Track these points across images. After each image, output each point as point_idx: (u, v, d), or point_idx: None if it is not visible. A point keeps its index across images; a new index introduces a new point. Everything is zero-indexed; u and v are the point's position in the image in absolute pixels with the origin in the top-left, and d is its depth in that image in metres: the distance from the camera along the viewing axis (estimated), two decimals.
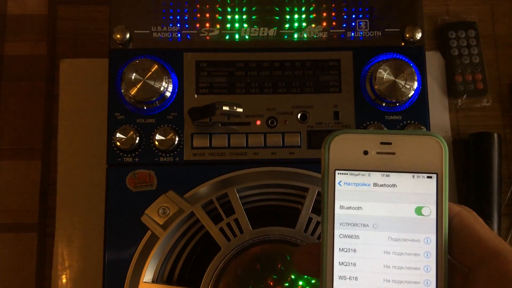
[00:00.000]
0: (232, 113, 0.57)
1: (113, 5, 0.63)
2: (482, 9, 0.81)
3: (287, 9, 0.64)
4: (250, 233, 0.57)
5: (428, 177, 0.34)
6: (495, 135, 0.73)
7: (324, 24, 0.64)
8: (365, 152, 0.34)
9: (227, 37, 0.64)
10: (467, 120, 0.77)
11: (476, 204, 0.72)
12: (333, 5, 0.65)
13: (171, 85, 0.61)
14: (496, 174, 0.72)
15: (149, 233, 0.58)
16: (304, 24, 0.64)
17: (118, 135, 0.59)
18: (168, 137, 0.60)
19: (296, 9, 0.64)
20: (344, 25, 0.64)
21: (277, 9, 0.64)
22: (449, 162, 0.34)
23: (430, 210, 0.34)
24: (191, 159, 0.61)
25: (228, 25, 0.64)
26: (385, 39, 0.64)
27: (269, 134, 0.62)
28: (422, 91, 0.62)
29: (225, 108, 0.56)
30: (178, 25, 0.64)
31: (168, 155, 0.61)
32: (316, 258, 0.34)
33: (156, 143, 0.60)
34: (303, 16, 0.64)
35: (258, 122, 0.62)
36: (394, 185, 0.34)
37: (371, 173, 0.34)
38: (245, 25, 0.64)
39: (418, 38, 0.62)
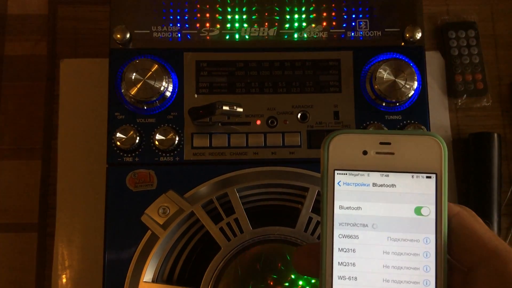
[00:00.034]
0: (232, 112, 0.57)
1: (113, 5, 0.63)
2: (482, 9, 0.80)
3: (287, 9, 0.64)
4: (250, 232, 0.57)
5: (427, 177, 0.34)
6: (495, 135, 0.73)
7: (324, 24, 0.64)
8: (364, 152, 0.34)
9: (227, 37, 0.64)
10: (467, 120, 0.77)
11: (476, 204, 0.72)
12: (333, 5, 0.65)
13: (171, 85, 0.61)
14: (496, 174, 0.72)
15: (149, 233, 0.58)
16: (304, 24, 0.64)
17: (118, 134, 0.60)
18: (168, 136, 0.60)
19: (296, 9, 0.64)
20: (344, 25, 0.64)
21: (277, 9, 0.64)
22: (449, 162, 0.34)
23: (430, 210, 0.34)
24: (191, 159, 0.61)
25: (228, 25, 0.64)
26: (385, 39, 0.64)
27: (269, 134, 0.62)
28: (422, 91, 0.62)
29: (225, 107, 0.56)
30: (178, 25, 0.64)
31: (168, 154, 0.61)
32: (316, 258, 0.34)
33: (156, 142, 0.60)
34: (303, 16, 0.64)
35: (258, 122, 0.62)
36: (393, 185, 0.34)
37: (371, 173, 0.34)
38: (245, 25, 0.64)
39: (418, 38, 0.63)
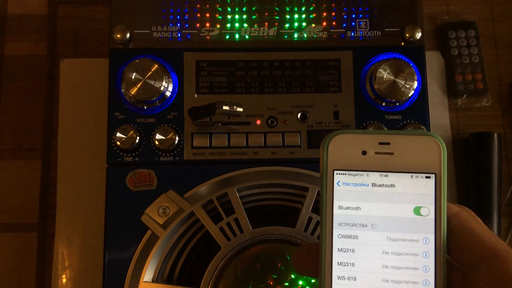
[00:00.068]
0: (232, 112, 0.57)
1: (113, 5, 0.63)
2: (482, 9, 0.80)
3: (287, 9, 0.64)
4: (250, 232, 0.57)
5: (426, 177, 0.34)
6: (495, 135, 0.73)
7: (324, 23, 0.64)
8: (364, 152, 0.34)
9: (227, 37, 0.64)
10: (467, 120, 0.77)
11: (476, 204, 0.72)
12: (333, 5, 0.65)
13: (171, 85, 0.61)
14: (496, 174, 0.72)
15: (149, 233, 0.58)
16: (304, 23, 0.64)
17: (118, 134, 0.60)
18: (168, 136, 0.60)
19: (296, 8, 0.64)
20: (344, 25, 0.64)
21: (277, 9, 0.64)
22: (449, 162, 0.34)
23: (429, 210, 0.34)
24: (191, 159, 0.61)
25: (228, 25, 0.64)
26: (385, 38, 0.64)
27: (269, 133, 0.62)
28: (422, 91, 0.62)
29: (225, 107, 0.56)
30: (178, 24, 0.64)
31: (168, 154, 0.61)
32: (315, 258, 0.34)
33: (156, 142, 0.60)
34: (303, 15, 0.64)
35: (258, 122, 0.62)
36: (392, 185, 0.34)
37: (370, 173, 0.34)
38: (245, 25, 0.64)
39: (418, 38, 0.63)
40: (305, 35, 0.64)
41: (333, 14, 0.64)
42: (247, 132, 0.62)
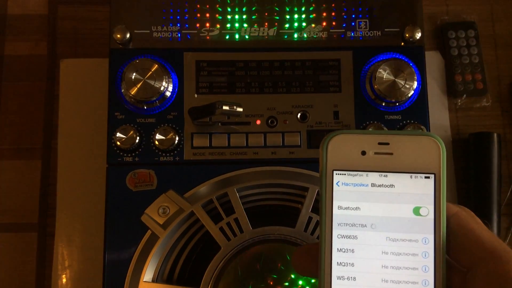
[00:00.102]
0: (232, 112, 0.57)
1: (113, 5, 0.63)
2: (482, 9, 0.80)
3: (287, 9, 0.64)
4: (250, 232, 0.57)
5: (426, 177, 0.34)
6: (495, 135, 0.73)
7: (324, 24, 0.64)
8: (363, 153, 0.34)
9: (227, 37, 0.64)
10: (467, 120, 0.77)
11: (476, 204, 0.72)
12: (333, 5, 0.65)
13: (171, 85, 0.61)
14: (496, 174, 0.72)
15: (149, 233, 0.58)
16: (304, 24, 0.64)
17: (118, 134, 0.60)
18: (168, 136, 0.60)
19: (296, 9, 0.64)
20: (344, 25, 0.64)
21: (277, 9, 0.64)
22: (449, 162, 0.34)
23: (428, 210, 0.34)
24: (191, 159, 0.61)
25: (228, 25, 0.64)
26: (385, 39, 0.64)
27: (269, 133, 0.62)
28: (422, 91, 0.62)
29: (225, 107, 0.56)
30: (178, 25, 0.64)
31: (168, 154, 0.61)
32: (315, 258, 0.34)
33: (156, 142, 0.60)
34: (303, 16, 0.64)
35: (258, 122, 0.62)
36: (392, 186, 0.34)
37: (369, 173, 0.34)
38: (245, 25, 0.64)
39: (418, 38, 0.63)
40: (305, 35, 0.64)
41: (333, 14, 0.64)
42: (247, 132, 0.62)
